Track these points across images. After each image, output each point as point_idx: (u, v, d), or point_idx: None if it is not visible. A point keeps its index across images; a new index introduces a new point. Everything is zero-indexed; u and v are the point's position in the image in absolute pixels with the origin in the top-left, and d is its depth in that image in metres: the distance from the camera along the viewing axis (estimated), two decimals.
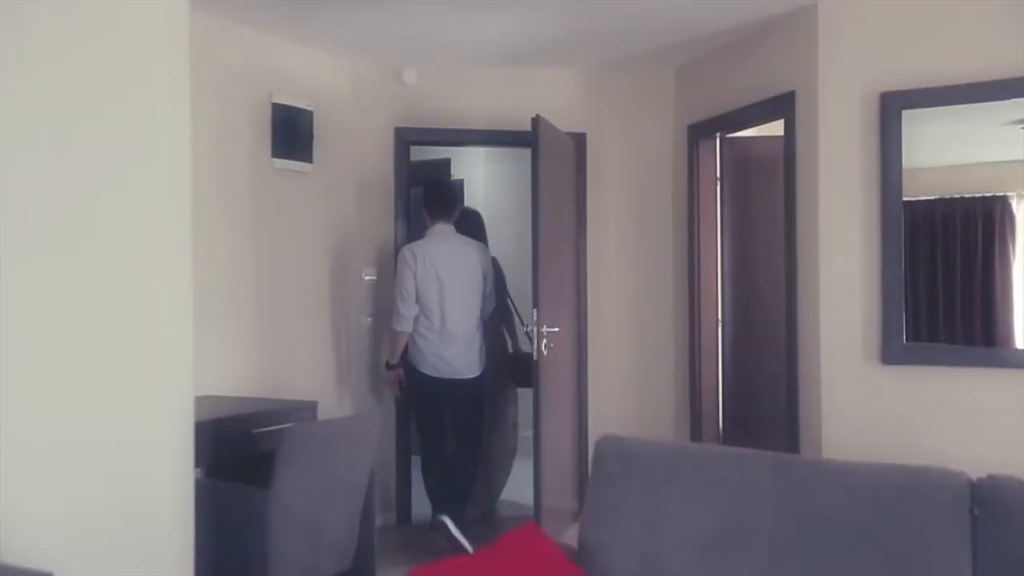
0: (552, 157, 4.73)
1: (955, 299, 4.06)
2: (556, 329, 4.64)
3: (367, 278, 5.13)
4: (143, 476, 2.35)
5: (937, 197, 4.16)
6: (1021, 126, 3.96)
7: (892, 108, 3.98)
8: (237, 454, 3.51)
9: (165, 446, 2.41)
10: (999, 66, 3.76)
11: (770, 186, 4.75)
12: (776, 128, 4.59)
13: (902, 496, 2.11)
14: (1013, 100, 3.81)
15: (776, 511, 2.20)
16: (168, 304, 2.48)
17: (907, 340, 3.98)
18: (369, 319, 5.12)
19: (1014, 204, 4.15)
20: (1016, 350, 3.90)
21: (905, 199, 4.02)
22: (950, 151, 4.10)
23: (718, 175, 5.19)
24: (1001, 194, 4.01)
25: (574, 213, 5.21)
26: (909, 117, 3.95)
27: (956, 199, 4.15)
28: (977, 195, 4.10)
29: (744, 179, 5.20)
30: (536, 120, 4.52)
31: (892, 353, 3.98)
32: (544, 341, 4.47)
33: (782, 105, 4.41)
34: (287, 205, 4.65)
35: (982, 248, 4.03)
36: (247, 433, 3.61)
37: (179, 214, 2.54)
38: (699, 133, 5.11)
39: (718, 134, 5.08)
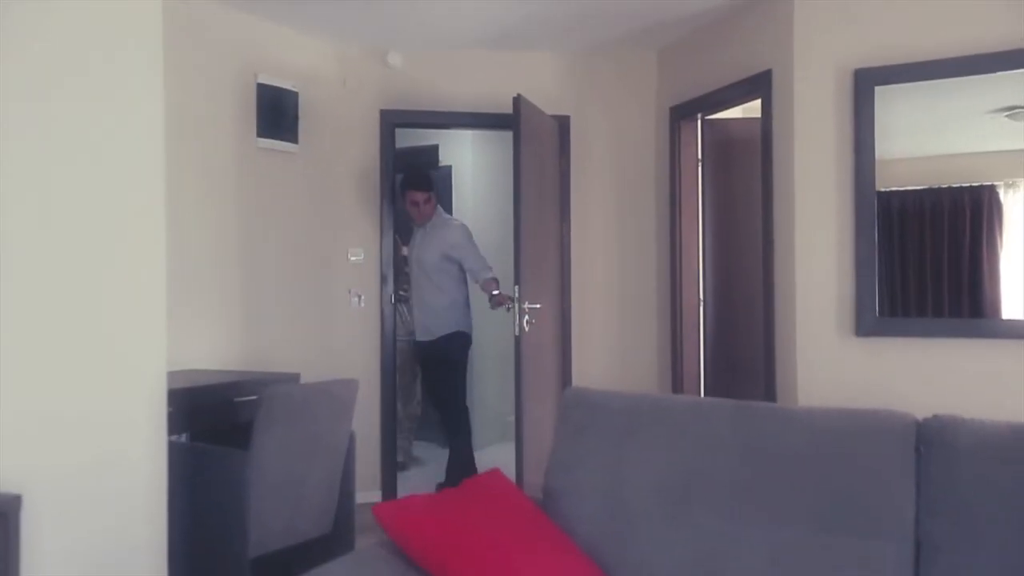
0: (534, 137, 4.80)
1: (942, 278, 4.10)
2: (538, 306, 4.70)
3: (353, 259, 5.19)
4: (116, 442, 2.37)
5: (926, 187, 4.22)
6: (1006, 114, 4.01)
7: (865, 84, 4.05)
8: (219, 421, 3.58)
9: (138, 414, 2.44)
10: (974, 42, 3.83)
11: (750, 167, 4.83)
12: (757, 109, 4.66)
13: (852, 437, 2.17)
14: (987, 78, 3.87)
15: (733, 454, 2.26)
16: (142, 277, 2.46)
17: (882, 315, 4.05)
18: (357, 299, 5.18)
19: (1001, 193, 4.20)
20: (990, 321, 3.96)
21: (893, 189, 4.09)
22: (938, 141, 4.14)
23: (699, 157, 5.26)
24: (988, 183, 4.06)
25: (557, 194, 5.28)
26: (890, 99, 4.01)
27: (944, 189, 4.20)
28: (965, 184, 4.15)
29: (725, 160, 5.27)
30: (517, 99, 4.59)
31: (865, 326, 4.05)
32: (526, 318, 4.54)
33: (759, 84, 4.48)
34: (272, 185, 4.72)
35: (970, 234, 4.08)
36: (229, 401, 3.68)
37: (152, 188, 2.51)
38: (680, 115, 5.18)
39: (699, 115, 5.15)
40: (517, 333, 4.52)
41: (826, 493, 2.14)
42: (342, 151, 5.16)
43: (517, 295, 4.51)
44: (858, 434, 2.18)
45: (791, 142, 4.23)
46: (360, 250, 5.21)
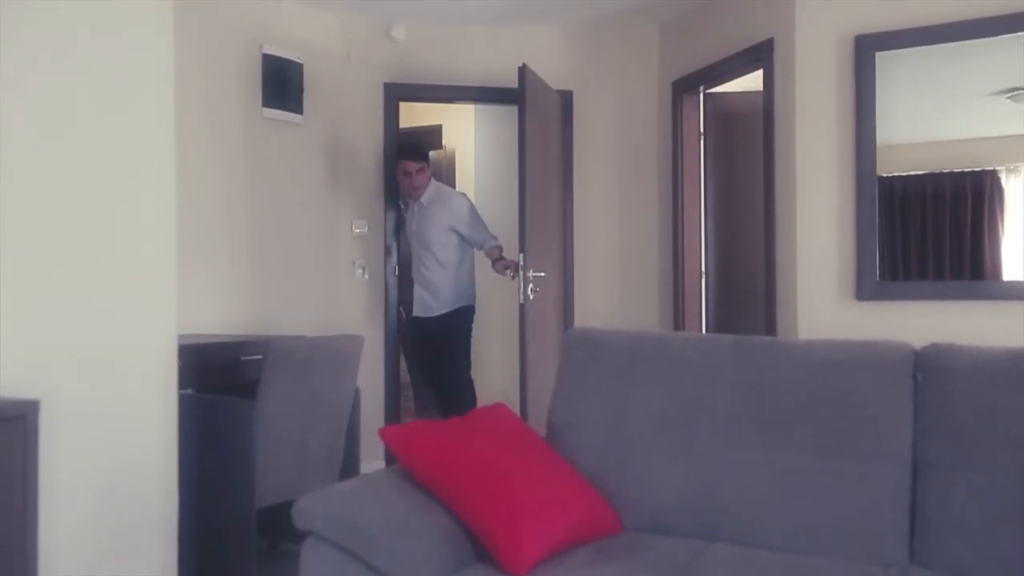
0: (538, 109, 4.84)
1: (943, 258, 4.11)
2: (543, 274, 4.73)
3: (357, 231, 5.23)
4: (130, 396, 2.40)
5: (927, 172, 4.24)
6: (1007, 96, 4.03)
7: (866, 50, 4.07)
8: (226, 378, 3.61)
9: (150, 368, 2.46)
10: (976, 6, 3.85)
11: (752, 140, 4.85)
12: (757, 82, 4.68)
13: (851, 366, 2.21)
14: (989, 56, 3.87)
15: (733, 385, 2.30)
16: (154, 236, 2.48)
17: (883, 279, 4.08)
18: (361, 270, 5.22)
19: (1003, 178, 4.23)
20: (991, 283, 3.98)
21: (895, 174, 4.12)
22: (939, 126, 4.15)
23: (701, 130, 5.29)
24: (990, 168, 4.09)
25: (560, 167, 5.32)
26: (891, 70, 4.03)
27: (946, 174, 4.23)
28: (967, 169, 4.17)
29: (727, 134, 5.30)
30: (523, 69, 4.62)
31: (866, 289, 4.08)
32: (531, 286, 4.57)
33: (761, 54, 4.51)
34: (277, 155, 4.75)
35: (971, 220, 4.10)
36: (235, 360, 3.71)
37: (163, 153, 2.53)
38: (682, 88, 5.21)
39: (701, 88, 5.18)
40: (522, 301, 4.55)
41: (824, 419, 2.18)
42: (346, 124, 5.20)
43: (522, 263, 4.54)
44: (856, 363, 2.21)
45: (792, 111, 4.26)
46: (364, 222, 5.24)
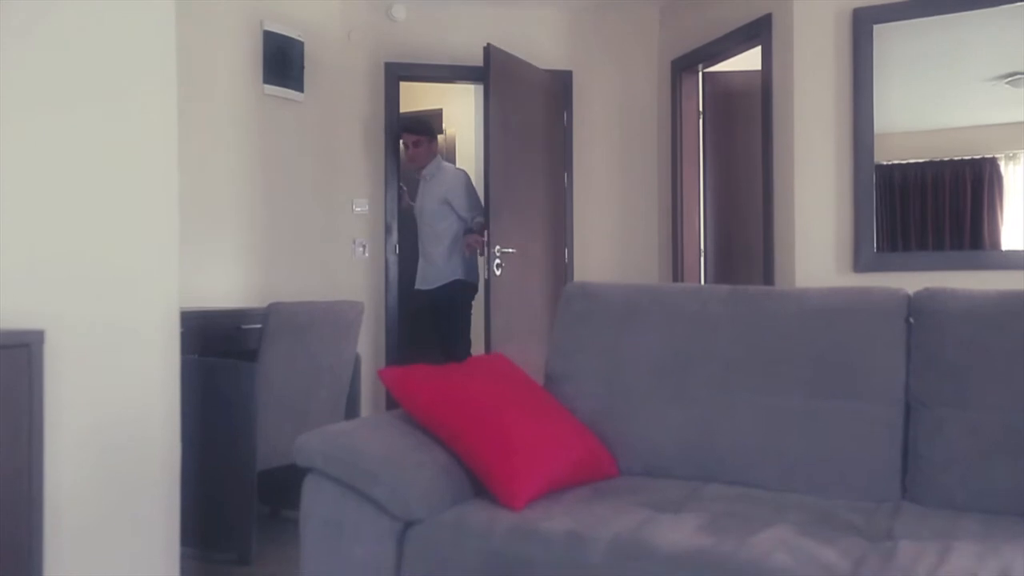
0: (513, 88, 4.89)
1: (943, 239, 4.13)
2: (511, 250, 4.78)
3: (358, 210, 5.26)
4: (133, 349, 2.41)
5: (927, 160, 4.26)
6: (1006, 81, 4.05)
7: (864, 23, 4.10)
8: (227, 345, 3.63)
9: (153, 334, 2.47)
10: None
11: (750, 119, 4.89)
12: (756, 62, 4.71)
13: (846, 312, 2.23)
14: (987, 39, 3.89)
15: (728, 332, 2.33)
16: (157, 209, 2.49)
17: (880, 251, 4.10)
18: (362, 248, 5.25)
19: (1002, 165, 4.25)
20: (989, 252, 4.00)
21: (895, 162, 4.14)
22: (938, 114, 4.17)
23: (700, 109, 5.32)
24: (990, 156, 4.11)
25: (551, 145, 5.32)
26: (889, 45, 4.04)
27: (946, 162, 4.24)
28: (966, 157, 4.19)
29: (726, 113, 5.33)
30: (487, 49, 4.69)
31: (863, 261, 4.10)
32: (496, 261, 4.62)
33: (759, 30, 4.54)
34: (278, 132, 4.78)
35: (971, 208, 4.12)
36: (237, 327, 3.74)
37: (166, 126, 2.52)
38: (682, 67, 5.24)
39: (700, 66, 5.21)
40: (487, 277, 4.63)
41: (818, 363, 2.21)
42: (347, 103, 5.22)
43: (487, 239, 4.62)
44: (850, 308, 2.24)
45: (790, 87, 4.29)
46: (365, 201, 5.27)
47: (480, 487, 2.09)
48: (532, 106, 5.14)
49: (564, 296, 2.60)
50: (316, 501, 2.01)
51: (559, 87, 5.39)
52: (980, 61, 4.01)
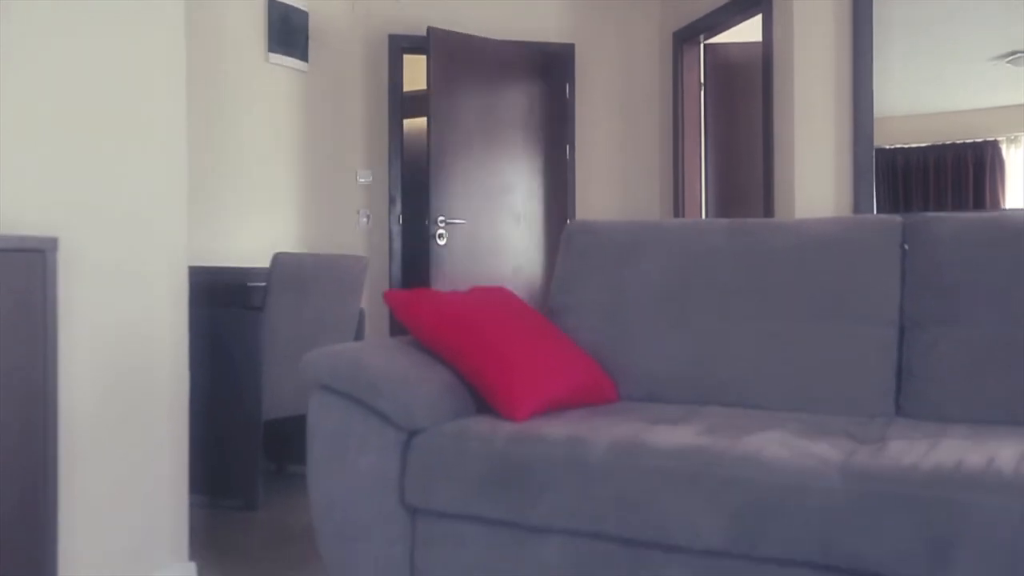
0: (463, 64, 5.04)
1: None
2: (461, 222, 4.96)
3: (362, 180, 5.30)
4: (140, 283, 2.44)
5: (928, 144, 4.29)
6: (1007, 60, 4.08)
7: None
8: (233, 300, 3.68)
9: (160, 284, 2.50)
10: None
11: (751, 91, 4.92)
12: (757, 33, 4.74)
13: (841, 239, 2.28)
14: (988, 8, 3.90)
15: (728, 263, 2.37)
16: (164, 168, 2.52)
17: None
18: (366, 219, 5.29)
19: (1003, 148, 4.29)
20: (989, 213, 4.03)
21: (897, 146, 4.16)
22: (939, 96, 4.18)
23: (701, 81, 5.36)
24: (991, 139, 4.14)
25: (531, 119, 5.37)
26: (891, 36, 4.06)
27: (947, 145, 4.28)
28: (968, 141, 4.22)
29: (727, 85, 5.37)
30: (430, 30, 4.89)
31: None
32: (439, 231, 4.84)
33: None
34: (283, 101, 4.83)
35: (972, 191, 4.15)
36: (243, 284, 3.78)
37: (175, 90, 2.52)
38: (683, 39, 5.28)
39: (701, 37, 5.25)
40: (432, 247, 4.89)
41: (814, 289, 2.25)
42: (351, 74, 5.27)
43: (430, 210, 4.84)
44: (847, 236, 2.28)
45: (791, 56, 4.32)
46: (368, 172, 5.32)
47: (483, 406, 2.13)
48: (502, 83, 5.22)
49: (566, 233, 2.64)
50: (322, 416, 2.05)
51: (562, 60, 5.43)
52: (981, 40, 4.04)
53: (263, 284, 3.69)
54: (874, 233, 2.26)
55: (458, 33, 4.97)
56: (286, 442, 3.89)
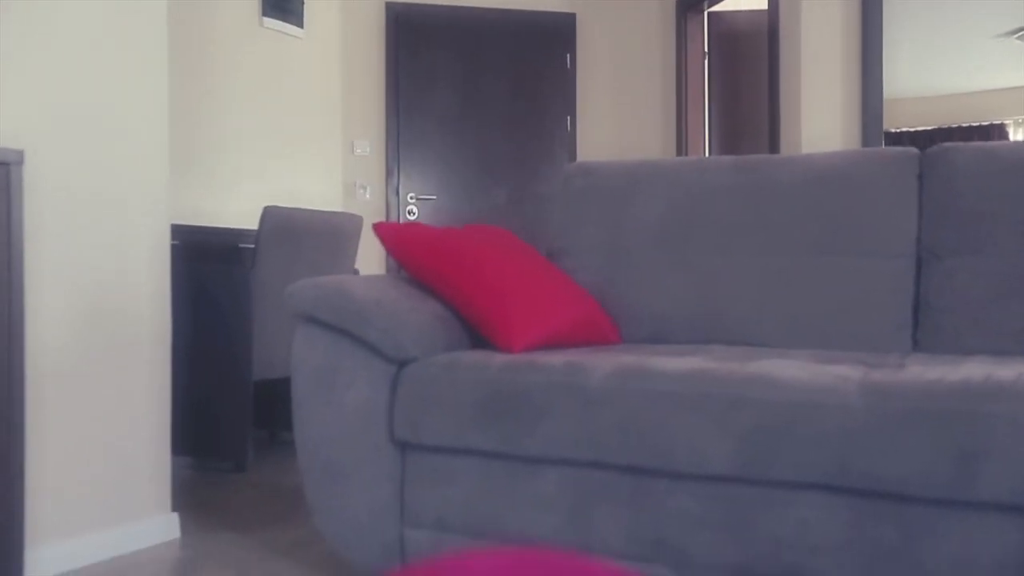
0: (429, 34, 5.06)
1: None
2: (434, 197, 5.02)
3: (359, 152, 5.20)
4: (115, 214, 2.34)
5: (935, 127, 4.20)
6: (1016, 36, 3.98)
7: None
8: (223, 259, 3.57)
9: (140, 218, 2.40)
10: None
11: (757, 61, 4.81)
12: (762, 1, 4.63)
13: (854, 171, 2.17)
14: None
15: (731, 197, 2.26)
16: (146, 89, 2.40)
17: None
18: (363, 190, 5.19)
19: (1011, 131, 4.19)
20: None
21: (904, 129, 4.07)
22: (946, 77, 4.09)
23: (705, 50, 5.25)
24: (999, 122, 4.05)
25: (520, 89, 5.28)
26: (897, 10, 3.96)
27: (955, 128, 4.18)
28: (975, 124, 4.13)
29: (731, 54, 5.26)
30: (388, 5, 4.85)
31: None
32: (409, 208, 4.98)
33: None
34: (276, 67, 4.72)
35: None
36: (233, 246, 3.67)
37: (157, 56, 2.45)
38: (686, 6, 5.17)
39: (704, 5, 5.14)
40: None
41: (825, 222, 2.14)
42: (347, 43, 5.17)
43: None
44: (859, 168, 2.17)
45: (798, 27, 4.20)
46: (367, 143, 5.21)
47: (477, 342, 2.03)
48: (490, 53, 5.14)
49: (564, 175, 2.54)
50: (307, 350, 1.95)
51: (563, 29, 5.33)
52: (989, 14, 3.95)
53: (253, 246, 3.60)
54: (888, 164, 2.15)
55: (417, 5, 4.95)
56: (278, 407, 3.79)
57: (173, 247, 3.11)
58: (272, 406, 3.80)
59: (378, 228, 2.09)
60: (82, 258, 2.17)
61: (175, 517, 2.41)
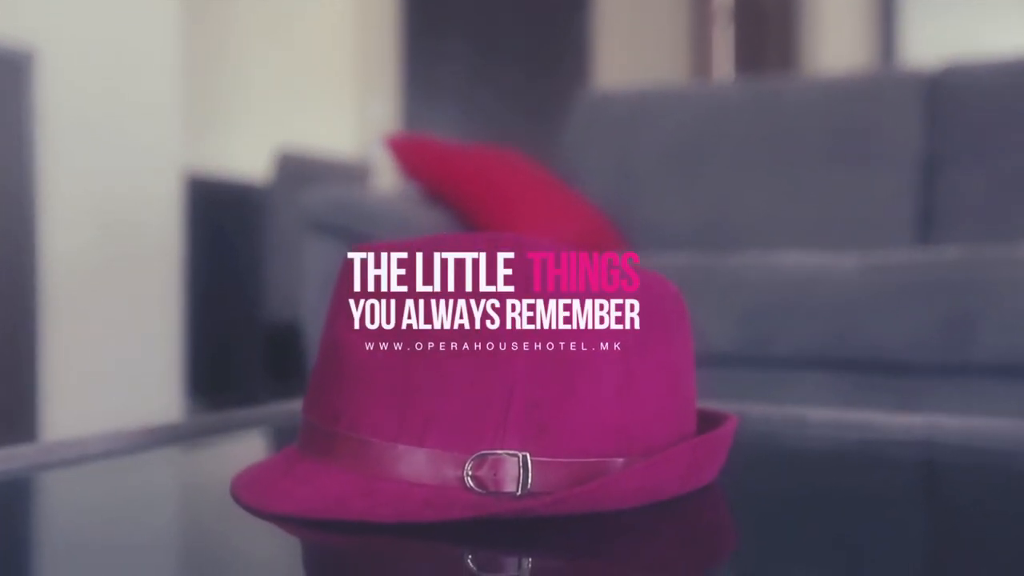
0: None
1: None
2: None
3: (375, 109, 5.22)
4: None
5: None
6: None
7: None
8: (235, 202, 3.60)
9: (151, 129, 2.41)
10: None
11: (781, 19, 4.77)
12: None
13: (863, 88, 2.18)
14: None
15: (743, 117, 2.27)
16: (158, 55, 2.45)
17: None
18: (377, 147, 5.21)
19: None
20: None
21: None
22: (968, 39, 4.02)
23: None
24: None
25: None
26: None
27: None
28: None
29: (755, 16, 5.23)
30: None
31: None
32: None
33: None
34: (295, 19, 4.75)
35: None
36: (249, 187, 3.70)
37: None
38: None
39: None
40: None
41: (834, 135, 2.16)
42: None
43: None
44: (870, 83, 2.19)
45: None
46: (382, 101, 5.23)
47: None
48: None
49: (574, 104, 2.55)
50: (316, 258, 1.97)
51: None
52: None
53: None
54: (900, 76, 2.17)
55: None
56: (293, 358, 3.82)
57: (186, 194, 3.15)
58: (286, 354, 3.82)
59: (389, 142, 2.11)
60: (95, 162, 2.19)
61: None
